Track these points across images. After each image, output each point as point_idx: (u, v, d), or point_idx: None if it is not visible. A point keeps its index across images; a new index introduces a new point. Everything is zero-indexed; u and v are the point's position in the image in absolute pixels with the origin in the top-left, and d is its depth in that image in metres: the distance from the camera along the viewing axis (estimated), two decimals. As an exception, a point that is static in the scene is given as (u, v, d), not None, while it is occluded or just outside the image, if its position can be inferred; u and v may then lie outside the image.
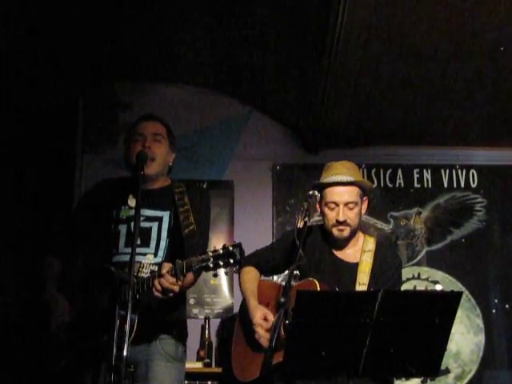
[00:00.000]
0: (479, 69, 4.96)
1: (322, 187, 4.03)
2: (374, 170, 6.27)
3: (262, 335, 3.77)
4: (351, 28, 4.37)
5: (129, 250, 3.45)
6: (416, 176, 6.34)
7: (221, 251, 3.17)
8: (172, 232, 3.65)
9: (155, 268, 3.52)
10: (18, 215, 5.62)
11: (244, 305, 4.13)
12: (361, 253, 4.07)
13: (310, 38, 4.77)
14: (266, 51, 5.33)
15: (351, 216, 3.98)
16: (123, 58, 5.78)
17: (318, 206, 4.09)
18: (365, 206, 4.12)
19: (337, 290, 3.83)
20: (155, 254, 3.60)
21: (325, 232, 4.12)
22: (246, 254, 3.23)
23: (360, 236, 4.18)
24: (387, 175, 6.32)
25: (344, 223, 3.97)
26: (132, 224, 3.57)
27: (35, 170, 5.82)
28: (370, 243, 4.13)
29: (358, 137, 6.15)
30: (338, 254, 4.10)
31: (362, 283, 3.91)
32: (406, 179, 6.33)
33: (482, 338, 5.97)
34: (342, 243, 4.09)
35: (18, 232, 5.56)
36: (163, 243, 3.63)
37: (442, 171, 6.36)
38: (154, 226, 3.64)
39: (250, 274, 4.21)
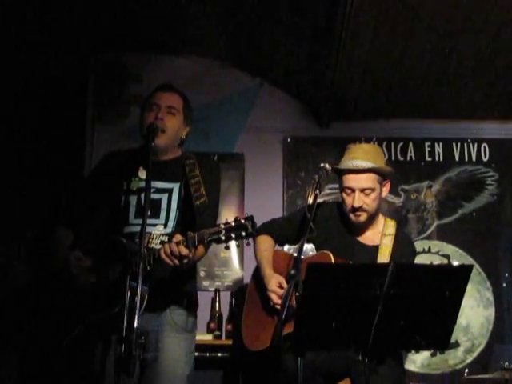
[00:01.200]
0: (490, 42, 4.93)
1: (340, 171, 4.01)
2: (385, 143, 6.24)
3: (276, 302, 3.80)
4: (363, 0, 4.34)
5: (139, 221, 3.50)
6: (427, 149, 6.32)
7: (233, 224, 3.17)
8: (182, 203, 3.66)
9: (165, 239, 3.55)
10: (30, 188, 5.64)
11: (257, 273, 4.15)
12: (381, 236, 4.05)
13: (321, 9, 4.74)
14: (278, 23, 5.30)
15: (368, 201, 3.94)
16: (133, 30, 5.76)
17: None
18: (386, 189, 4.08)
19: (350, 262, 3.84)
20: (165, 225, 3.61)
21: (344, 212, 4.10)
22: (257, 227, 3.23)
23: (380, 219, 4.15)
24: (398, 148, 6.30)
25: (360, 209, 3.94)
26: (142, 195, 3.59)
27: (46, 143, 5.84)
28: (391, 227, 4.10)
29: (370, 110, 6.14)
30: (357, 235, 4.09)
31: None
32: (417, 152, 6.31)
33: (491, 311, 5.98)
34: (361, 226, 4.07)
35: (30, 205, 5.58)
36: (173, 214, 3.63)
37: (454, 145, 6.33)
38: (164, 197, 3.65)
39: (266, 242, 4.22)
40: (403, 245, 4.05)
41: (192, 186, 3.61)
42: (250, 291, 4.23)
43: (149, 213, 3.38)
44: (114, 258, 3.42)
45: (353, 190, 3.94)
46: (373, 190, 3.94)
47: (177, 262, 3.30)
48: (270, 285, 3.88)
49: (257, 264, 4.19)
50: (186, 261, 3.31)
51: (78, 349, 3.53)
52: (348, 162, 3.96)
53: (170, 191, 3.67)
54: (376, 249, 3.99)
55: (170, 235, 3.54)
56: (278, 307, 3.77)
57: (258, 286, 4.12)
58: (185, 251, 3.26)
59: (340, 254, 3.87)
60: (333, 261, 3.77)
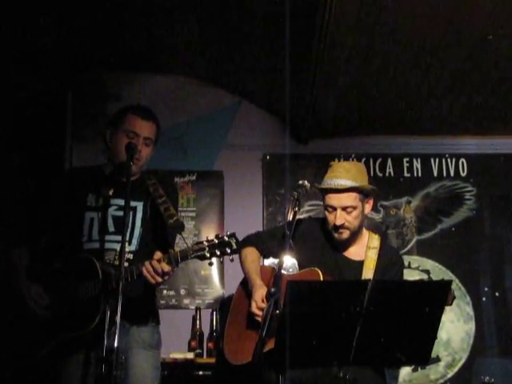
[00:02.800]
0: (468, 57, 4.96)
1: (323, 190, 4.04)
2: (363, 160, 6.25)
3: (254, 312, 3.81)
4: (339, 17, 4.36)
5: (102, 237, 3.60)
6: (406, 165, 6.34)
7: (216, 241, 3.26)
8: (148, 221, 3.73)
9: (130, 256, 3.60)
10: (8, 207, 5.60)
11: (244, 285, 4.15)
12: (366, 249, 4.08)
13: (298, 27, 4.76)
14: (256, 41, 5.32)
15: (349, 219, 3.98)
16: (112, 49, 5.76)
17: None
18: (369, 206, 4.11)
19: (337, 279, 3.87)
20: (129, 242, 3.65)
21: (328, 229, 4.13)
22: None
23: (365, 233, 4.19)
24: (377, 165, 6.32)
25: (342, 227, 3.98)
26: (106, 212, 3.66)
27: (24, 161, 5.81)
28: (375, 240, 4.14)
29: (348, 126, 6.16)
30: (342, 251, 4.11)
31: (367, 278, 3.92)
32: (395, 168, 6.34)
33: (472, 325, 5.99)
34: (346, 242, 4.09)
35: (5, 224, 5.54)
36: (137, 231, 3.69)
37: (432, 160, 6.36)
38: (128, 215, 3.66)
39: (253, 254, 4.23)
40: (388, 257, 4.09)
41: (160, 205, 3.67)
42: (235, 303, 4.23)
43: (113, 229, 3.57)
44: (83, 276, 3.44)
45: (334, 209, 3.97)
46: (354, 208, 3.96)
47: (159, 279, 3.34)
48: (256, 295, 3.88)
49: (245, 275, 4.19)
50: (166, 277, 3.35)
51: (49, 366, 3.53)
52: (329, 181, 3.99)
53: (133, 209, 3.72)
54: (361, 263, 4.02)
55: (135, 253, 3.63)
56: (257, 318, 3.80)
57: (243, 298, 4.12)
58: (167, 268, 3.31)
59: (326, 270, 3.89)
60: (321, 278, 3.78)
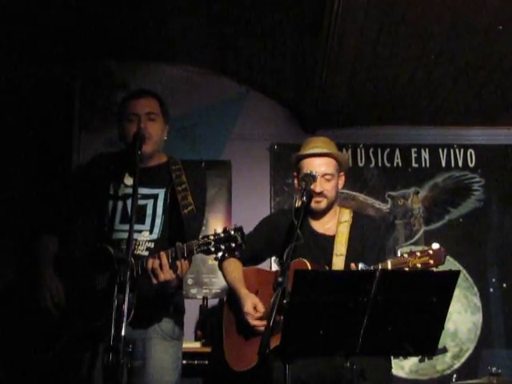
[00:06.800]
0: (477, 47, 4.94)
1: (300, 160, 4.07)
2: (371, 150, 6.26)
3: (253, 324, 3.82)
4: (349, 6, 4.34)
5: (124, 227, 3.52)
6: (414, 155, 6.34)
7: (222, 235, 3.16)
8: (168, 209, 3.65)
9: (151, 245, 3.55)
10: (17, 196, 5.62)
11: (231, 298, 4.16)
12: (337, 224, 4.11)
13: (307, 16, 4.75)
14: (264, 30, 5.31)
15: (328, 188, 4.04)
16: (121, 38, 5.76)
17: (295, 180, 4.16)
18: (341, 182, 4.19)
19: (327, 268, 3.87)
20: (150, 231, 3.60)
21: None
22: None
23: (337, 209, 4.21)
24: (385, 155, 6.31)
25: (321, 194, 4.02)
26: (128, 201, 3.59)
27: (33, 150, 5.82)
28: (346, 214, 4.19)
29: (356, 116, 6.15)
30: (317, 227, 4.14)
31: (340, 254, 3.96)
32: (403, 159, 6.33)
33: (479, 316, 5.99)
34: (320, 216, 4.12)
35: (16, 212, 5.56)
36: (158, 220, 3.63)
37: (440, 151, 6.36)
38: (150, 203, 3.64)
39: (233, 264, 4.23)
40: (363, 229, 4.11)
41: (179, 193, 3.59)
42: (227, 314, 4.24)
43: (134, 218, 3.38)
44: (101, 266, 3.41)
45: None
46: (332, 176, 4.05)
47: (165, 276, 3.29)
48: (246, 307, 3.90)
49: (229, 287, 4.20)
50: (173, 276, 3.31)
51: (64, 359, 3.51)
52: (309, 150, 4.09)
53: (155, 197, 3.66)
54: (333, 238, 4.05)
55: (156, 241, 3.56)
56: (258, 329, 3.82)
57: (233, 310, 4.13)
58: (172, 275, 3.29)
59: (300, 248, 3.88)
60: (309, 267, 3.79)
